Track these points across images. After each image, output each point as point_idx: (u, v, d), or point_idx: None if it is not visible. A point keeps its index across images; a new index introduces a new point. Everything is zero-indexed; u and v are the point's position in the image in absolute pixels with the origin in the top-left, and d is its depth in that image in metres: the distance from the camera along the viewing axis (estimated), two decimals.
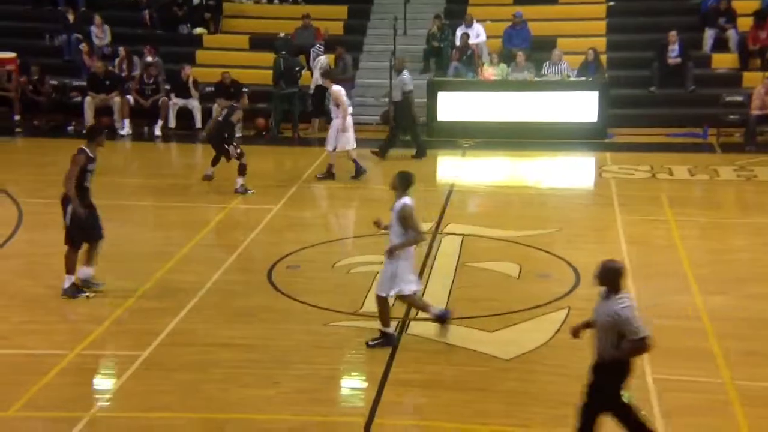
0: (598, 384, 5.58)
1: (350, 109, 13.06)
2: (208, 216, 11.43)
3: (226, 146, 12.19)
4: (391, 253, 7.41)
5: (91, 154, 8.45)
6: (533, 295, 8.74)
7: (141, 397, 6.84)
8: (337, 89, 12.90)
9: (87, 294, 8.58)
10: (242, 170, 12.22)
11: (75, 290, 8.57)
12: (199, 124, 15.74)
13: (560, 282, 9.07)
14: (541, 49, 16.45)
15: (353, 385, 7.27)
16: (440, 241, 10.37)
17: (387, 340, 7.56)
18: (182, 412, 6.63)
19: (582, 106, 15.62)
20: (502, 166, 14.88)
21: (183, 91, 16.00)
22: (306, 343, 7.71)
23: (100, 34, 16.95)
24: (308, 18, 17.23)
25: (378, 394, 6.83)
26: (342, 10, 18.40)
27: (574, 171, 14.80)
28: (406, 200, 7.42)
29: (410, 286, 7.50)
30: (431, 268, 9.47)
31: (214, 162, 12.55)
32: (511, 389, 6.94)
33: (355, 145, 13.01)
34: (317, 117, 16.03)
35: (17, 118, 15.64)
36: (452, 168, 14.61)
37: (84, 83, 15.89)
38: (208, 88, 15.96)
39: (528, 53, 16.27)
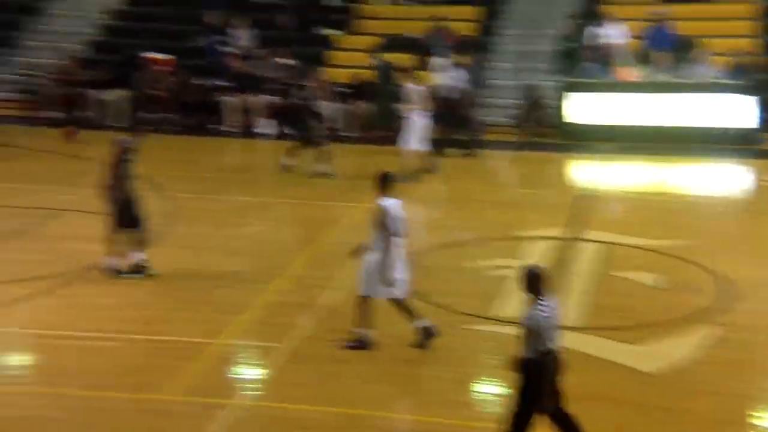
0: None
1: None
2: (342, 213, 11.62)
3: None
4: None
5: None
6: (678, 307, 8.41)
7: (281, 388, 7.10)
8: (414, 88, 12.93)
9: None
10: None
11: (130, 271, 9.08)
12: (333, 124, 16.00)
13: (708, 294, 8.67)
14: (683, 49, 15.79)
15: (487, 389, 7.17)
16: (579, 248, 10.11)
17: (428, 334, 7.51)
18: (320, 405, 6.82)
19: (736, 110, 14.82)
20: (643, 171, 14.40)
21: (316, 93, 16.25)
22: (437, 344, 7.66)
23: (242, 36, 17.48)
24: (439, 19, 17.20)
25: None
26: (475, 11, 18.28)
27: (726, 178, 14.12)
28: (385, 201, 7.38)
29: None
30: (569, 276, 9.23)
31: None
32: (660, 406, 6.67)
33: (418, 147, 12.98)
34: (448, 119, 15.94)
35: (168, 116, 16.27)
36: (587, 172, 14.25)
37: (225, 84, 16.42)
38: (339, 89, 16.19)
39: (669, 54, 15.66)
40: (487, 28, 18.05)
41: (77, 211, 10.74)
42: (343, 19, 18.44)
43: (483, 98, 16.19)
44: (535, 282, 5.55)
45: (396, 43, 17.34)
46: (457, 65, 15.52)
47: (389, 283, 7.36)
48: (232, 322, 8.26)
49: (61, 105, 16.09)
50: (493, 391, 7.11)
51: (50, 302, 8.58)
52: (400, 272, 7.46)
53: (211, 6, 17.95)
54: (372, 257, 7.38)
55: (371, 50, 16.55)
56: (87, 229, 10.26)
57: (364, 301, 7.51)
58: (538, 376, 5.49)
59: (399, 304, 7.56)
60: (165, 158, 14.48)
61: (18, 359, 7.90)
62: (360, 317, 7.54)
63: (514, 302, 8.87)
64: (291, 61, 16.52)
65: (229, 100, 16.25)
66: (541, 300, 5.53)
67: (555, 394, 5.62)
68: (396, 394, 6.86)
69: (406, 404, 6.70)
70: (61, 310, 8.41)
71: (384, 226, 7.31)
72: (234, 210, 11.95)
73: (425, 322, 7.61)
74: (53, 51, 16.98)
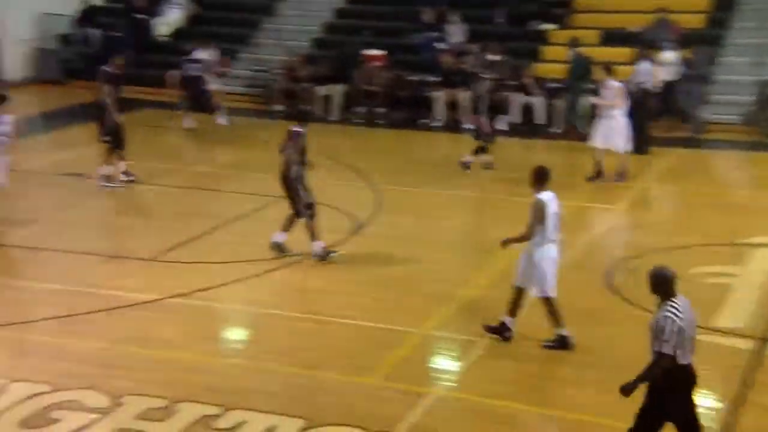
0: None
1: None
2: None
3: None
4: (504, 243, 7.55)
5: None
6: None
7: (483, 383, 7.18)
8: (618, 85, 12.33)
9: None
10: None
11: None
12: (541, 120, 15.73)
13: None
14: None
15: (702, 403, 6.70)
16: None
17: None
18: (523, 404, 6.81)
19: None
20: None
21: (524, 88, 16.12)
22: (647, 352, 7.28)
23: (456, 31, 17.61)
24: (664, 11, 16.34)
25: (732, 415, 6.31)
26: (704, 3, 17.19)
27: None
28: (541, 195, 7.36)
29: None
30: None
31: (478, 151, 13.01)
32: None
33: (609, 146, 12.34)
34: (664, 115, 15.15)
35: (381, 110, 16.79)
36: None
37: (438, 79, 16.62)
38: (552, 84, 15.85)
39: None
40: (718, 20, 16.90)
41: None
42: (559, 14, 18.04)
43: (709, 95, 15.19)
44: (662, 283, 5.35)
45: (615, 37, 16.71)
46: (682, 59, 14.70)
47: (540, 280, 7.37)
48: (435, 313, 8.40)
49: (286, 99, 17.04)
50: (710, 405, 6.72)
51: (265, 283, 9.16)
52: (551, 270, 7.42)
53: (427, 3, 18.25)
54: (530, 252, 7.37)
55: (569, 43, 16.05)
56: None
57: (547, 301, 7.47)
58: (645, 375, 5.35)
59: (547, 303, 7.46)
60: (375, 151, 14.98)
61: (237, 334, 8.52)
62: (550, 316, 7.48)
63: (737, 312, 8.26)
64: (500, 57, 16.42)
65: (439, 95, 16.44)
66: (673, 302, 5.32)
67: (683, 405, 5.41)
68: (603, 401, 6.61)
69: (612, 411, 6.43)
70: (276, 291, 8.95)
71: (539, 220, 7.28)
72: (440, 203, 12.10)
73: (564, 331, 7.47)
74: (282, 48, 18.03)
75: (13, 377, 6.96)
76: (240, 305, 8.78)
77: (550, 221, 7.35)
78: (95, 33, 18.72)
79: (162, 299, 8.59)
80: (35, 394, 6.73)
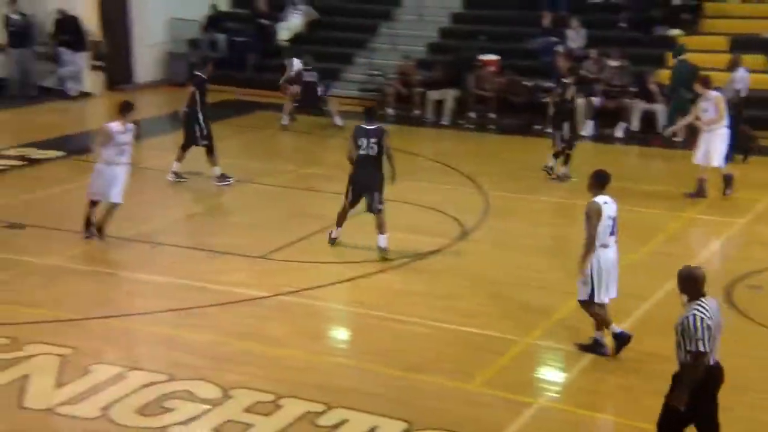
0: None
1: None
2: (662, 223, 11.10)
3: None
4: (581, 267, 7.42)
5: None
6: None
7: (585, 395, 7.07)
8: (717, 95, 11.79)
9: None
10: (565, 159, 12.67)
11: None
12: (661, 128, 15.24)
13: None
14: None
15: None
16: None
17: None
18: (625, 418, 6.67)
19: None
20: None
21: (647, 95, 15.63)
22: (763, 370, 6.94)
23: (575, 36, 17.30)
24: None
25: None
26: None
27: None
28: (596, 199, 7.34)
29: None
30: None
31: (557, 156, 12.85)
32: None
33: (709, 163, 11.84)
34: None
35: (493, 116, 16.68)
36: None
37: (554, 85, 16.33)
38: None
39: None
40: None
41: (404, 202, 11.37)
42: (687, 19, 17.40)
43: None
44: (691, 283, 5.45)
45: (745, 43, 15.97)
46: None
47: (587, 282, 7.36)
48: (539, 322, 8.27)
49: (399, 103, 17.16)
50: None
51: (370, 284, 9.26)
52: (608, 276, 7.39)
53: (548, 7, 17.98)
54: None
55: (672, 50, 15.42)
56: (410, 220, 10.86)
57: (588, 304, 7.47)
58: (689, 380, 5.33)
59: (588, 306, 7.48)
60: (486, 155, 14.87)
61: (341, 334, 8.66)
62: (595, 320, 7.53)
63: None
64: (621, 63, 15.97)
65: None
66: (701, 302, 5.40)
67: (709, 404, 5.44)
68: None
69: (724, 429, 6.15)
70: (380, 293, 9.02)
71: (593, 224, 7.28)
72: (548, 210, 11.89)
73: (600, 337, 7.52)
74: (397, 53, 18.18)
75: (131, 365, 7.30)
76: (345, 306, 8.91)
77: (603, 226, 7.31)
78: (221, 37, 19.43)
79: (271, 296, 8.82)
80: (151, 383, 7.03)
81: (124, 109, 9.96)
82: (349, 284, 9.25)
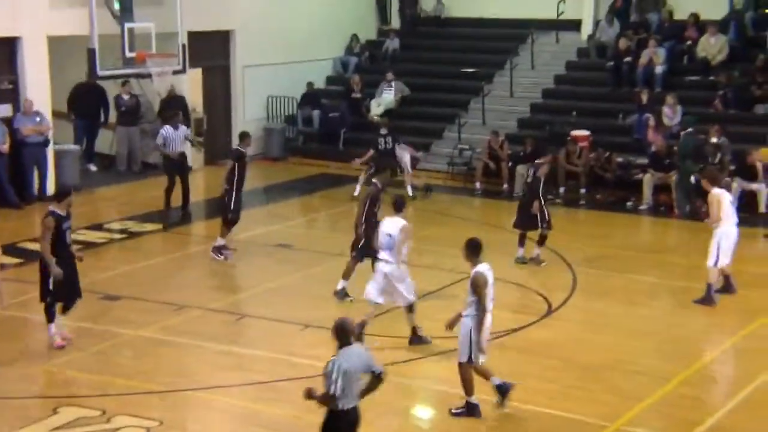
0: None
1: None
2: (761, 304, 10.54)
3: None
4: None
5: (61, 213, 9.03)
6: None
7: None
8: None
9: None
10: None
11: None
12: (763, 208, 14.69)
13: None
14: None
15: None
16: None
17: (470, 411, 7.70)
18: None
19: None
20: None
21: (748, 174, 15.14)
22: None
23: (671, 114, 17.03)
24: None
25: None
26: None
27: None
28: (480, 268, 7.64)
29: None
30: None
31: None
32: None
33: None
34: None
35: (583, 191, 16.45)
36: None
37: (647, 161, 16.05)
38: None
39: None
40: None
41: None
42: None
43: None
44: (341, 333, 6.05)
45: None
46: None
47: (482, 348, 7.67)
48: (629, 407, 7.94)
49: (487, 178, 17.15)
50: None
51: (451, 361, 9.00)
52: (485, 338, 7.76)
53: (642, 84, 17.80)
54: (466, 323, 7.65)
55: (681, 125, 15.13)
56: (496, 295, 10.67)
57: (464, 368, 7.74)
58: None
59: (463, 369, 7.76)
60: (574, 232, 14.58)
61: (426, 412, 8.48)
62: (464, 385, 7.76)
63: None
64: (720, 140, 15.53)
65: (648, 177, 15.82)
66: (344, 350, 6.00)
67: None
68: None
69: None
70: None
71: (482, 293, 7.58)
72: (641, 290, 11.50)
73: (474, 399, 7.73)
74: (486, 128, 18.28)
75: None
76: (431, 383, 8.78)
77: (489, 292, 7.65)
78: (316, 113, 20.02)
79: None
80: None
81: None
82: (435, 360, 9.13)
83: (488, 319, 7.80)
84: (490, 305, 7.75)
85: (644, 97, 17.35)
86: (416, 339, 9.54)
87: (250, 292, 11.43)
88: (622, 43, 18.57)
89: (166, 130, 14.59)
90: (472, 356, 7.73)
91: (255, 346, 9.55)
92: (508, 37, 21.08)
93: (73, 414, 7.74)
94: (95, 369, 8.84)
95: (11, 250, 12.17)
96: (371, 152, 16.25)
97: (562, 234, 14.28)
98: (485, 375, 7.93)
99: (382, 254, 9.43)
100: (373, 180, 11.19)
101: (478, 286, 7.63)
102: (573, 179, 16.60)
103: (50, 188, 15.41)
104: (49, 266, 8.91)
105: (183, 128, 14.89)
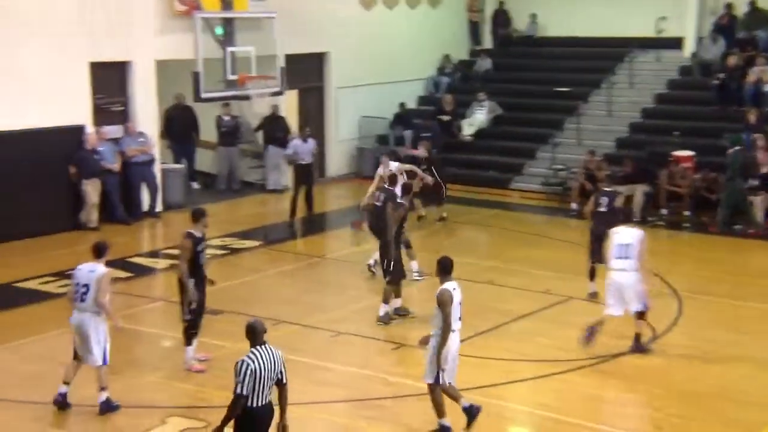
0: None
1: None
2: None
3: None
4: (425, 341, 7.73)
5: (197, 234, 9.17)
6: None
7: None
8: None
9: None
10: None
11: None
12: None
13: None
14: None
15: None
16: None
17: None
18: None
19: None
20: None
21: None
22: None
23: None
24: None
25: None
26: None
27: None
28: (447, 285, 7.64)
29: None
30: None
31: None
32: None
33: None
34: None
35: (687, 213, 16.04)
36: None
37: (756, 183, 15.54)
38: None
39: None
40: None
41: (589, 301, 11.05)
42: None
43: None
44: (251, 334, 6.44)
45: None
46: None
47: (442, 367, 7.60)
48: None
49: (583, 199, 16.90)
50: None
51: (551, 385, 9.02)
52: (453, 359, 7.70)
53: (751, 102, 17.28)
54: (432, 342, 7.65)
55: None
56: (594, 319, 10.54)
57: (432, 388, 7.68)
58: (225, 417, 6.27)
59: (434, 390, 7.71)
60: (679, 255, 14.22)
61: None
62: (435, 407, 7.71)
63: None
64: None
65: (758, 199, 15.31)
66: (255, 350, 6.38)
67: None
68: None
69: None
70: (561, 395, 8.74)
71: (448, 311, 7.53)
72: (751, 316, 11.13)
73: (446, 422, 7.69)
74: (582, 148, 18.06)
75: None
76: (528, 407, 8.70)
77: (455, 311, 7.59)
78: (407, 133, 20.21)
79: None
80: None
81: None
82: (531, 383, 9.07)
83: (455, 338, 7.68)
84: (455, 324, 7.64)
85: (753, 117, 16.83)
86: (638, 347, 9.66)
87: (345, 310, 11.60)
88: (732, 61, 18.09)
89: (296, 142, 15.91)
90: (439, 377, 7.64)
91: (351, 363, 9.68)
92: (604, 56, 20.86)
93: (180, 425, 8.01)
94: (198, 381, 9.14)
95: (122, 264, 12.76)
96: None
97: (666, 258, 13.97)
98: (454, 397, 7.83)
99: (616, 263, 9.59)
100: (401, 201, 11.06)
101: (443, 304, 7.57)
102: (675, 201, 16.18)
103: (159, 205, 16.08)
104: (187, 290, 9.08)
105: (312, 141, 16.09)
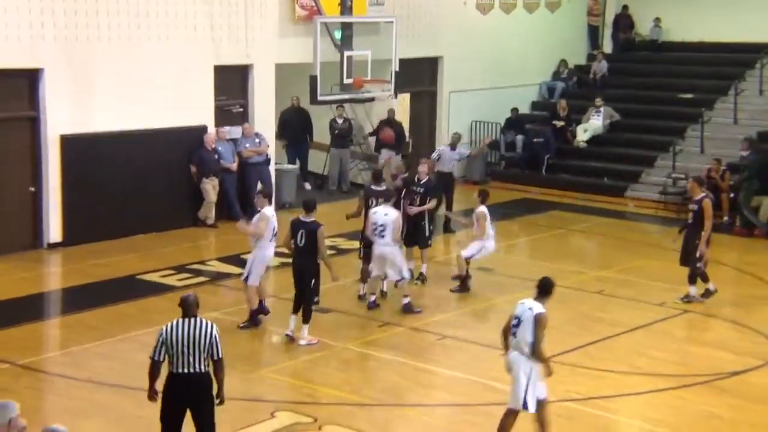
0: None
1: None
2: None
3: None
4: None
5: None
6: None
7: None
8: None
9: None
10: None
11: None
12: None
13: None
14: None
15: None
16: None
17: None
18: None
19: None
20: None
21: None
22: None
23: None
24: None
25: None
26: None
27: None
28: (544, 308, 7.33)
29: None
30: None
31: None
32: None
33: None
34: None
35: None
36: None
37: None
38: None
39: None
40: None
41: (708, 315, 10.61)
42: None
43: None
44: (182, 306, 6.87)
45: None
46: None
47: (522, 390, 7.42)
48: None
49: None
50: None
51: (664, 400, 8.72)
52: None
53: None
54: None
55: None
56: (716, 335, 10.12)
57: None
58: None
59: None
60: None
61: None
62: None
63: None
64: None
65: None
66: (174, 320, 6.81)
67: (167, 408, 6.82)
68: None
69: None
70: (676, 411, 8.45)
71: (537, 333, 7.34)
72: None
73: None
74: (705, 157, 17.38)
75: None
76: (639, 422, 8.44)
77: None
78: (519, 138, 19.98)
79: (556, 401, 8.63)
80: None
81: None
82: (643, 398, 8.80)
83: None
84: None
85: None
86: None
87: (451, 314, 11.56)
88: None
89: (444, 148, 15.59)
90: (528, 403, 7.34)
91: (455, 367, 9.64)
92: (732, 61, 20.02)
93: (289, 419, 8.15)
94: (307, 377, 9.32)
95: (237, 261, 13.16)
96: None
97: None
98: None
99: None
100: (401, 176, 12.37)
101: (542, 326, 7.28)
102: None
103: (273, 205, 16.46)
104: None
105: (461, 150, 15.68)
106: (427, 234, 12.53)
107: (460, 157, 15.73)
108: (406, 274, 11.21)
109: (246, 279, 10.62)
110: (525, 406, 7.34)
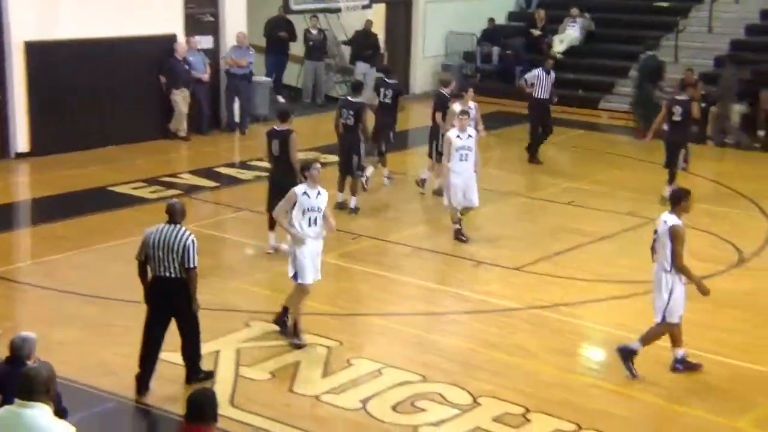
0: None
1: None
2: None
3: None
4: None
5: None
6: None
7: None
8: None
9: None
10: None
11: None
12: None
13: None
14: None
15: None
16: None
17: None
18: None
19: None
20: None
21: None
22: None
23: None
24: None
25: None
26: None
27: None
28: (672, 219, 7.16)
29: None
30: None
31: None
32: None
33: None
34: None
35: None
36: None
37: None
38: None
39: None
40: None
41: None
42: None
43: None
44: (168, 212, 7.02)
45: None
46: None
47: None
48: None
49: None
50: None
51: (628, 306, 8.96)
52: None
53: None
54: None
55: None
56: None
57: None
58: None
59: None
60: None
61: (594, 353, 8.45)
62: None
63: None
64: None
65: None
66: (160, 225, 6.99)
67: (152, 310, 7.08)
68: None
69: None
70: (639, 316, 8.64)
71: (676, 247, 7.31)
72: None
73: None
74: (678, 66, 17.32)
75: (388, 363, 7.66)
76: (599, 325, 8.68)
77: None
78: (495, 50, 19.76)
79: (524, 309, 8.85)
80: (405, 382, 7.34)
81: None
82: (607, 303, 9.02)
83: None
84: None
85: None
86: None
87: (425, 227, 11.67)
88: None
89: (539, 71, 14.29)
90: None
91: (427, 278, 9.79)
92: None
93: (262, 329, 8.29)
94: (282, 289, 9.41)
95: (207, 173, 13.11)
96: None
97: (759, 180, 13.50)
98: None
99: None
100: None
101: (678, 240, 7.16)
102: None
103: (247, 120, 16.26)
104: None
105: (553, 75, 14.46)
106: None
107: (552, 82, 14.26)
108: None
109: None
110: (663, 320, 7.32)
